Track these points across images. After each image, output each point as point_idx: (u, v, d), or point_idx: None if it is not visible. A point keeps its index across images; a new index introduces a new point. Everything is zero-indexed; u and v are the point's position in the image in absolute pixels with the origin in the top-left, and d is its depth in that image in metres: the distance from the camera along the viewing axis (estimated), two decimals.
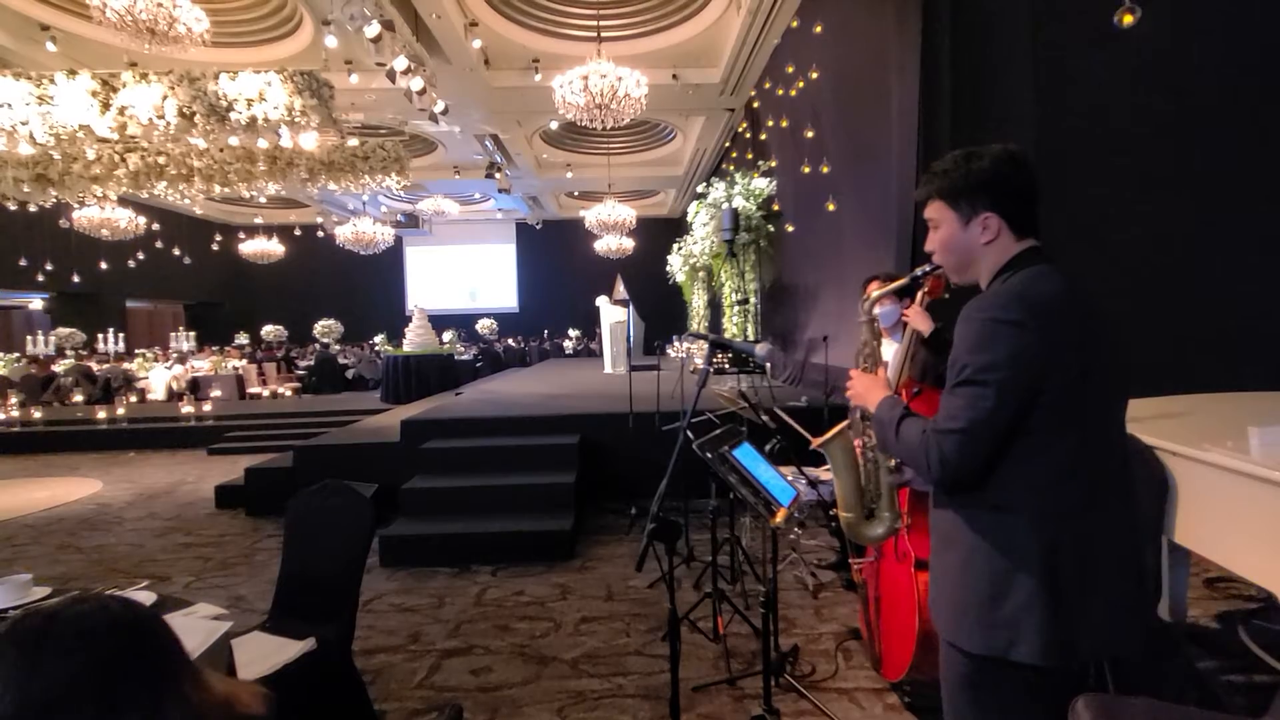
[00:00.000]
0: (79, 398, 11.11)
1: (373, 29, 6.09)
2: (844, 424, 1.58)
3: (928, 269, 1.42)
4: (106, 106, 6.89)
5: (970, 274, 1.32)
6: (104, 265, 13.66)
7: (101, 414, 9.44)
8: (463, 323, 18.28)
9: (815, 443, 1.62)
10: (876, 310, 1.60)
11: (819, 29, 6.03)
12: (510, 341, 18.16)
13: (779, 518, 1.84)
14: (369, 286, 19.63)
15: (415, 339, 9.44)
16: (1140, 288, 3.51)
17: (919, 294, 1.99)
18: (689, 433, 1.94)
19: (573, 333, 18.58)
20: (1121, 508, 1.19)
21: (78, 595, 0.73)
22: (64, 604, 0.70)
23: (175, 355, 13.86)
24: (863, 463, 1.57)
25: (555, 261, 19.61)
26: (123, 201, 11.23)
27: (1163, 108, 3.57)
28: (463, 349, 14.06)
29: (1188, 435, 2.11)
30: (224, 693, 0.76)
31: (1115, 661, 1.87)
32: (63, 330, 14.14)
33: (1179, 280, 3.52)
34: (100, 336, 14.08)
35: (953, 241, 1.30)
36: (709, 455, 1.96)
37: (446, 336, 13.11)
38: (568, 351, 17.66)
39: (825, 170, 5.92)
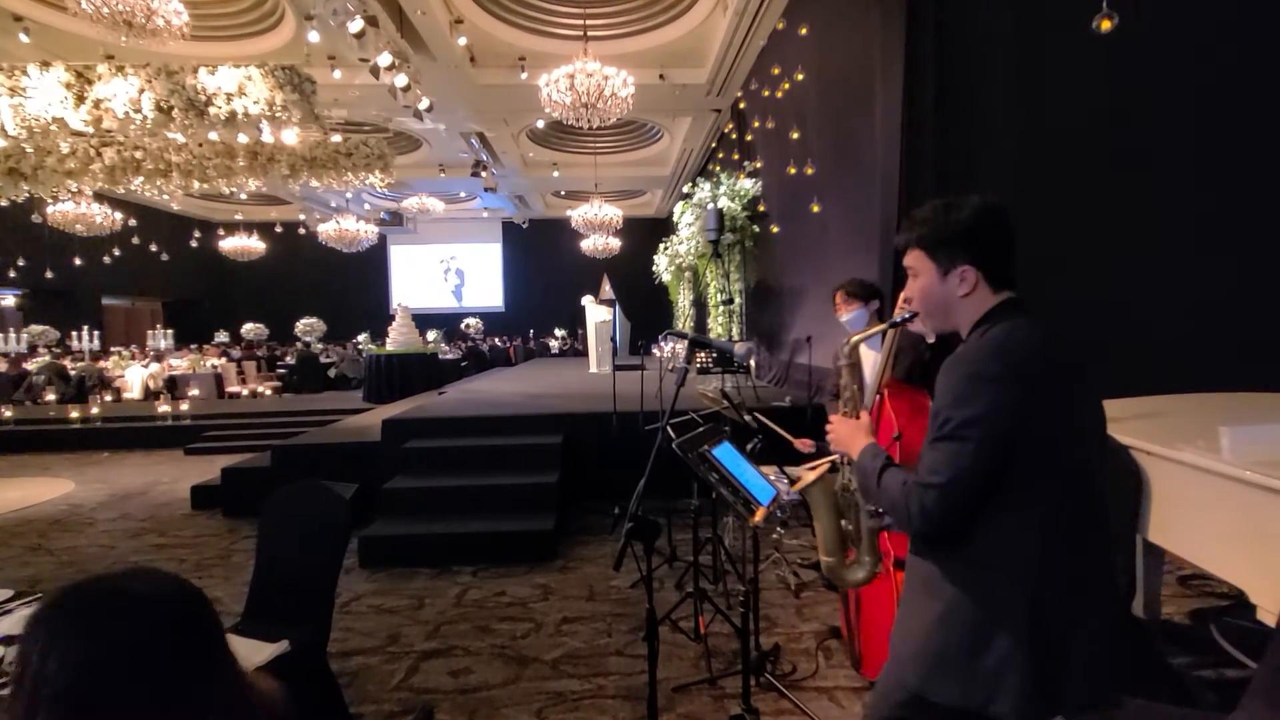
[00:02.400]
0: (51, 396, 10.87)
1: (356, 25, 6.02)
2: (824, 466, 1.58)
3: (907, 315, 1.42)
4: (81, 99, 6.73)
5: (948, 324, 1.33)
6: (79, 261, 13.36)
7: (75, 413, 9.25)
8: (447, 322, 18.14)
9: (795, 486, 1.61)
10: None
11: (805, 31, 6.05)
12: (496, 341, 18.05)
13: (758, 517, 1.83)
14: (352, 285, 19.40)
15: (398, 338, 9.36)
16: (1124, 289, 3.55)
17: (900, 295, 2.00)
18: (670, 431, 1.93)
19: (558, 332, 18.51)
20: (1100, 549, 1.19)
21: (134, 568, 0.75)
22: (122, 576, 0.72)
23: (152, 353, 13.61)
24: (844, 506, 1.57)
25: (541, 261, 19.51)
26: (98, 197, 11.00)
27: (1148, 109, 3.61)
28: (447, 348, 13.96)
29: (1162, 434, 2.14)
30: (248, 672, 0.79)
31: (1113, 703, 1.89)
32: (36, 327, 13.82)
33: (1164, 281, 3.55)
34: (75, 334, 13.79)
35: (931, 292, 1.31)
36: (689, 454, 1.95)
37: (430, 336, 13.00)
38: (553, 351, 17.59)
39: (810, 172, 5.95)
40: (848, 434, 1.43)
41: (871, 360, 3.13)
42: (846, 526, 1.57)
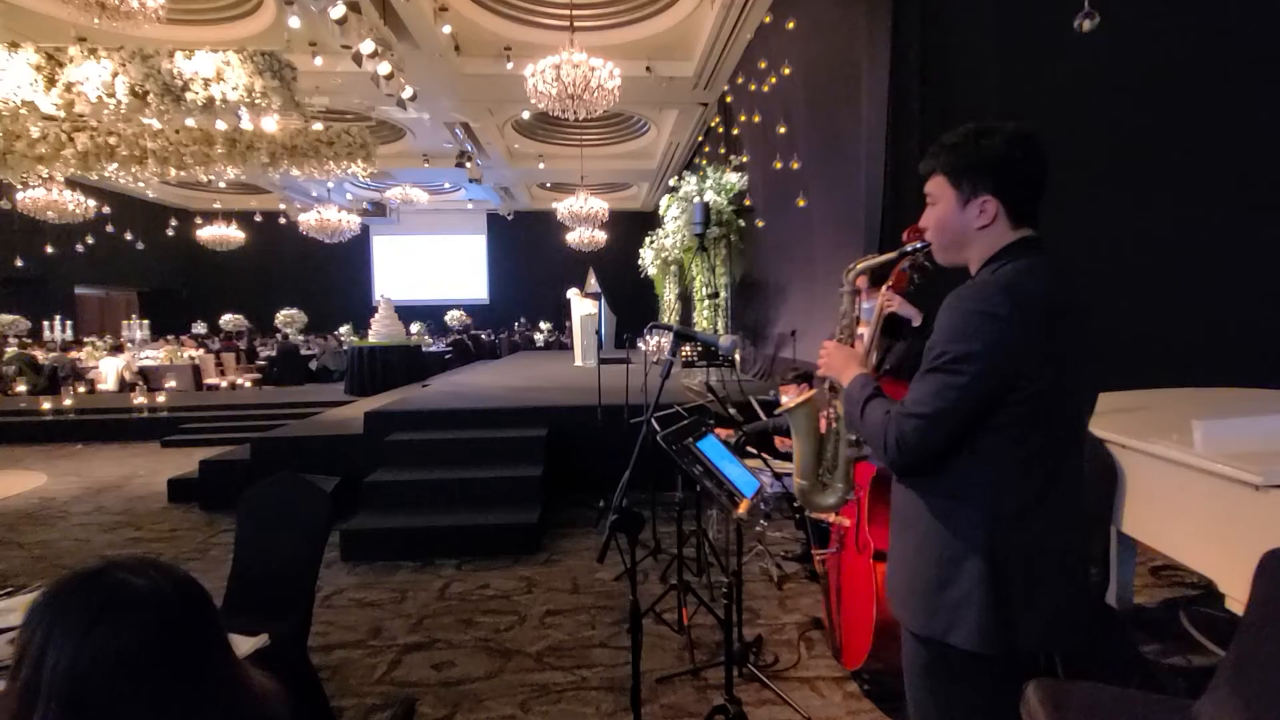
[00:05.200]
0: (22, 388, 10.61)
1: (337, 10, 5.91)
2: (811, 392, 1.57)
3: (919, 245, 1.38)
4: (52, 82, 6.55)
5: (959, 257, 1.28)
6: (50, 249, 13.05)
7: (47, 404, 9.04)
8: (431, 314, 17.98)
9: (781, 408, 1.61)
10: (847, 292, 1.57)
11: (791, 25, 6.06)
12: (483, 335, 17.92)
13: (742, 509, 1.84)
14: (334, 276, 19.12)
15: (381, 330, 9.25)
16: (1105, 284, 3.60)
17: (884, 286, 2.01)
18: (655, 424, 1.93)
19: (544, 325, 18.43)
20: (1073, 505, 1.20)
21: (139, 559, 0.73)
22: (126, 568, 0.71)
23: (126, 343, 13.33)
24: (825, 432, 1.56)
25: (526, 253, 19.39)
26: (70, 183, 10.72)
27: (1130, 103, 3.66)
28: (430, 340, 13.84)
29: (1137, 428, 2.18)
30: (246, 668, 0.78)
31: (1064, 649, 1.93)
32: (5, 317, 13.46)
33: (1144, 277, 3.60)
34: (46, 324, 13.46)
35: (947, 221, 1.25)
36: (674, 447, 1.96)
37: (414, 328, 12.88)
38: (538, 344, 17.52)
39: (796, 166, 5.96)
40: (841, 361, 1.39)
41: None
42: (824, 454, 1.56)
